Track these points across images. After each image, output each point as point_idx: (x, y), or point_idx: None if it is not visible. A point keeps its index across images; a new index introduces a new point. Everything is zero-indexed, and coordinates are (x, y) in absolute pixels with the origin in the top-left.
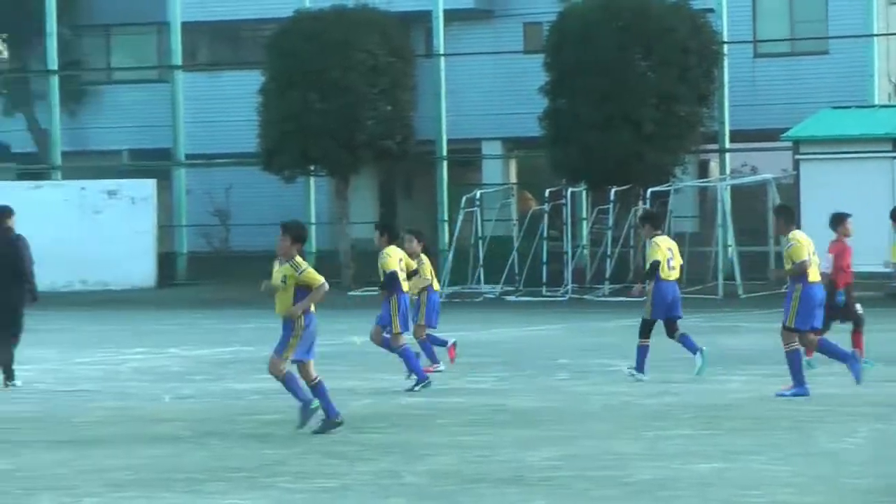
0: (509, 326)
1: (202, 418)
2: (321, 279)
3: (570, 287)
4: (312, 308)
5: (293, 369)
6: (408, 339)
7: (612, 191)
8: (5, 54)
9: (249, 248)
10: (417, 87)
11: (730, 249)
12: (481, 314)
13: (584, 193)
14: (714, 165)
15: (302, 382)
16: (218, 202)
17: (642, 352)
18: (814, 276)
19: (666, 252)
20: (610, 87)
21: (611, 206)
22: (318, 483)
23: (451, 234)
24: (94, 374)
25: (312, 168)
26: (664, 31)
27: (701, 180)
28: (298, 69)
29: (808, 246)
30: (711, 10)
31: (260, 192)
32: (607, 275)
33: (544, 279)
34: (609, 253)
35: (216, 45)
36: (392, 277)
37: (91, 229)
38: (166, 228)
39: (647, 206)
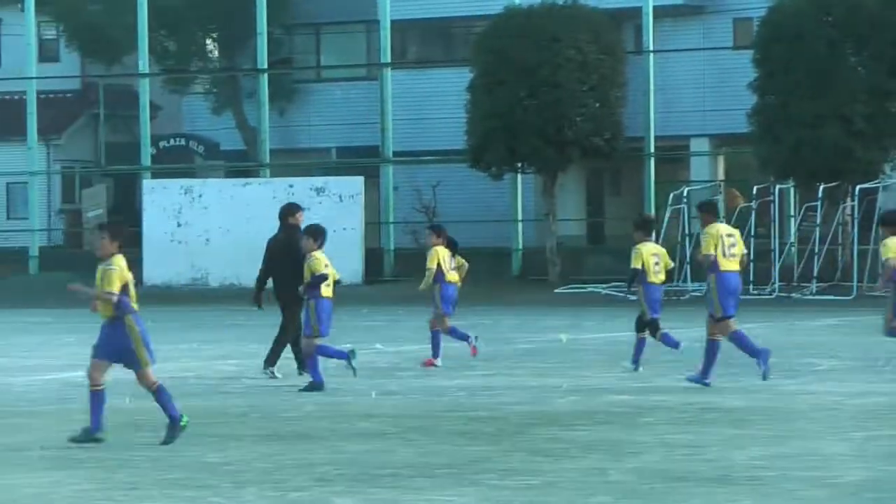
0: None
1: (408, 414)
2: (116, 289)
3: (777, 285)
4: (136, 306)
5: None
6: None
7: (821, 188)
8: (216, 53)
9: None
10: (627, 84)
11: None
12: (688, 312)
13: (791, 190)
14: None
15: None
16: (425, 199)
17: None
18: (726, 265)
19: (651, 258)
20: (820, 82)
21: (819, 203)
22: (523, 480)
23: (658, 232)
24: None
25: (520, 165)
26: (876, 26)
27: None
28: (507, 66)
29: (717, 239)
30: None
31: (467, 189)
32: (815, 273)
33: (751, 277)
34: (817, 251)
35: (425, 42)
36: (316, 280)
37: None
38: (373, 225)
39: (856, 203)
